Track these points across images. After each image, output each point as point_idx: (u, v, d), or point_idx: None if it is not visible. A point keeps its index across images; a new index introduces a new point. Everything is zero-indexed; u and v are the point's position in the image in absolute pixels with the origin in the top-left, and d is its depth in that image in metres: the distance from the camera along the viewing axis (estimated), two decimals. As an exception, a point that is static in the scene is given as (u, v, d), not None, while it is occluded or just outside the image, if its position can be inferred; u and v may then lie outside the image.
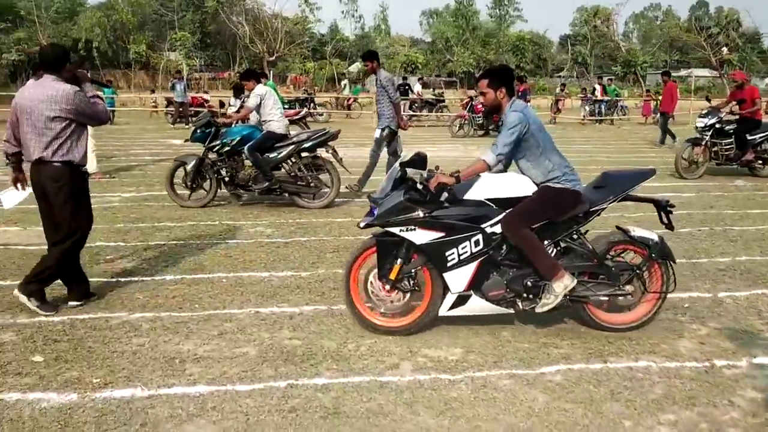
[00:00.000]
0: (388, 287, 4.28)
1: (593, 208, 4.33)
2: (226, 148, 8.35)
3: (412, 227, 4.11)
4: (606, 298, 4.35)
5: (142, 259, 6.10)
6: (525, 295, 4.26)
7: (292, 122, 14.89)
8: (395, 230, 4.15)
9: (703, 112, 11.76)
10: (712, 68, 50.43)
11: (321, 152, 8.63)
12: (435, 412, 3.36)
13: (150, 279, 5.51)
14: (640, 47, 59.87)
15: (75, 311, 4.73)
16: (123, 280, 5.48)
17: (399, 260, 4.23)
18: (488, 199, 4.21)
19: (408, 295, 4.35)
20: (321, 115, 25.39)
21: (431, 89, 34.03)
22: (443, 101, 26.70)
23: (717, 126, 11.21)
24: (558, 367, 3.89)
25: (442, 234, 4.12)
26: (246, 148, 8.23)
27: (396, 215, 4.12)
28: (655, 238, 4.38)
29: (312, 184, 8.48)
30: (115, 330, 4.40)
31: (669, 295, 5.13)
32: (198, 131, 8.45)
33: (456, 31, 52.73)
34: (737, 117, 11.43)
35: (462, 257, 4.15)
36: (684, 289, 5.30)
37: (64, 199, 4.60)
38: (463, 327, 4.48)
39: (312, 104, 25.35)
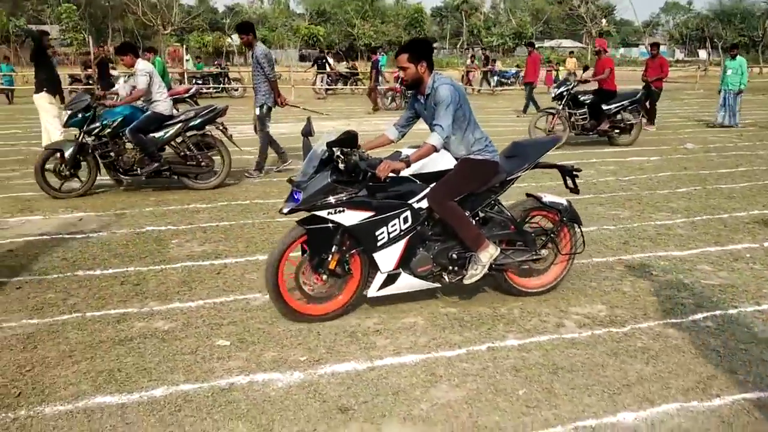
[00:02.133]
0: (324, 277, 4.15)
1: (509, 177, 4.46)
2: (107, 130, 7.69)
3: (341, 209, 3.95)
4: (524, 264, 4.58)
5: (212, 241, 5.98)
6: (451, 267, 4.34)
7: (181, 100, 13.66)
8: (323, 213, 3.96)
9: (558, 82, 12.23)
10: (575, 39, 53.46)
11: (210, 129, 8.26)
12: (643, 360, 3.71)
13: (244, 260, 5.46)
14: (526, 20, 62.34)
15: (207, 295, 4.66)
16: (217, 263, 5.38)
17: (334, 248, 4.09)
18: (412, 175, 4.17)
19: (337, 280, 4.26)
20: (236, 90, 24.66)
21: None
22: (357, 74, 26.80)
23: (571, 95, 11.53)
24: (704, 315, 4.36)
25: (372, 213, 4.03)
26: (128, 130, 7.63)
27: (323, 197, 3.92)
28: (565, 202, 4.64)
29: (203, 164, 8.12)
30: (265, 310, 4.40)
31: (738, 246, 5.76)
32: (78, 115, 7.73)
33: (356, 4, 52.74)
34: (596, 88, 11.88)
35: (392, 235, 4.11)
36: (736, 241, 5.97)
37: None
38: (584, 286, 4.87)
39: (226, 79, 24.68)
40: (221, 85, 24.59)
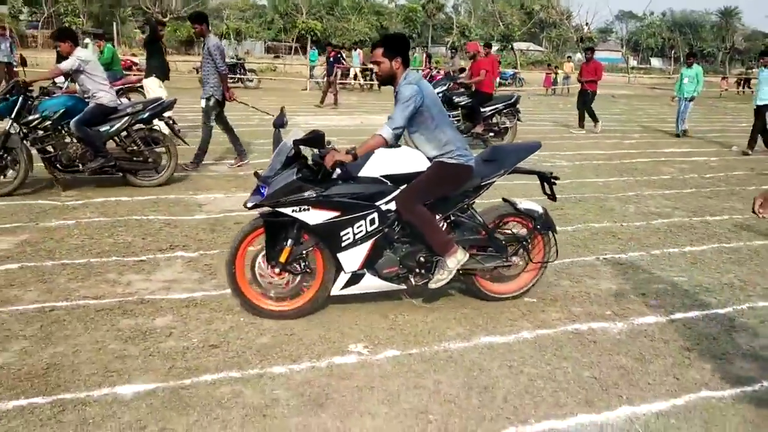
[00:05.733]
0: (277, 270, 4.09)
1: (484, 182, 4.36)
2: (47, 122, 7.03)
3: (306, 207, 3.92)
4: (494, 270, 4.51)
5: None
6: (418, 270, 4.28)
7: (133, 89, 12.35)
8: (287, 210, 3.93)
9: (434, 83, 11.91)
10: (535, 43, 55.55)
11: (158, 124, 7.89)
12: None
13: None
14: (474, 22, 64.24)
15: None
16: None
17: (289, 242, 4.05)
18: (383, 176, 4.10)
19: (299, 277, 4.21)
20: (251, 81, 24.76)
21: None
22: (367, 69, 27.47)
23: (446, 97, 11.36)
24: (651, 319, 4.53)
25: (337, 213, 3.98)
26: (72, 123, 7.02)
27: (288, 195, 3.90)
28: (540, 210, 4.52)
29: (150, 160, 7.57)
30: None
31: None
32: (7, 98, 6.95)
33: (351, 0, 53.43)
34: (473, 90, 11.68)
35: (357, 236, 4.05)
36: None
37: None
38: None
39: (242, 69, 25.01)
40: (237, 76, 24.91)
